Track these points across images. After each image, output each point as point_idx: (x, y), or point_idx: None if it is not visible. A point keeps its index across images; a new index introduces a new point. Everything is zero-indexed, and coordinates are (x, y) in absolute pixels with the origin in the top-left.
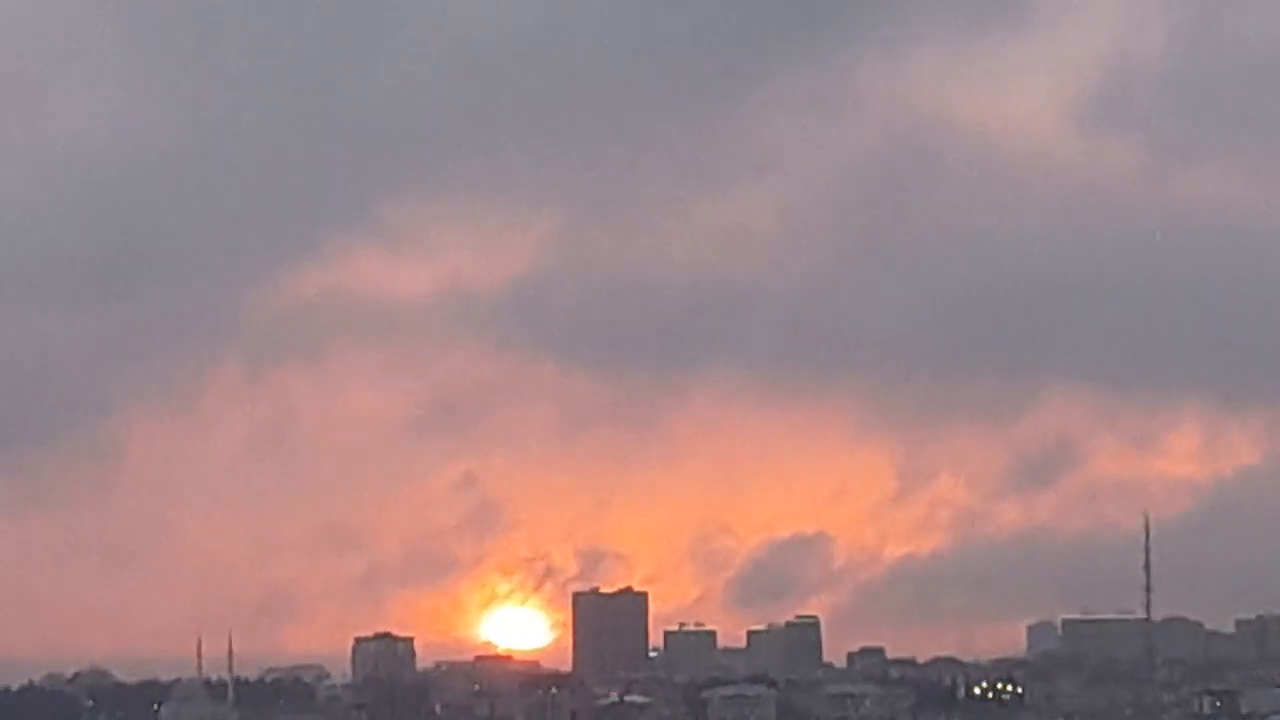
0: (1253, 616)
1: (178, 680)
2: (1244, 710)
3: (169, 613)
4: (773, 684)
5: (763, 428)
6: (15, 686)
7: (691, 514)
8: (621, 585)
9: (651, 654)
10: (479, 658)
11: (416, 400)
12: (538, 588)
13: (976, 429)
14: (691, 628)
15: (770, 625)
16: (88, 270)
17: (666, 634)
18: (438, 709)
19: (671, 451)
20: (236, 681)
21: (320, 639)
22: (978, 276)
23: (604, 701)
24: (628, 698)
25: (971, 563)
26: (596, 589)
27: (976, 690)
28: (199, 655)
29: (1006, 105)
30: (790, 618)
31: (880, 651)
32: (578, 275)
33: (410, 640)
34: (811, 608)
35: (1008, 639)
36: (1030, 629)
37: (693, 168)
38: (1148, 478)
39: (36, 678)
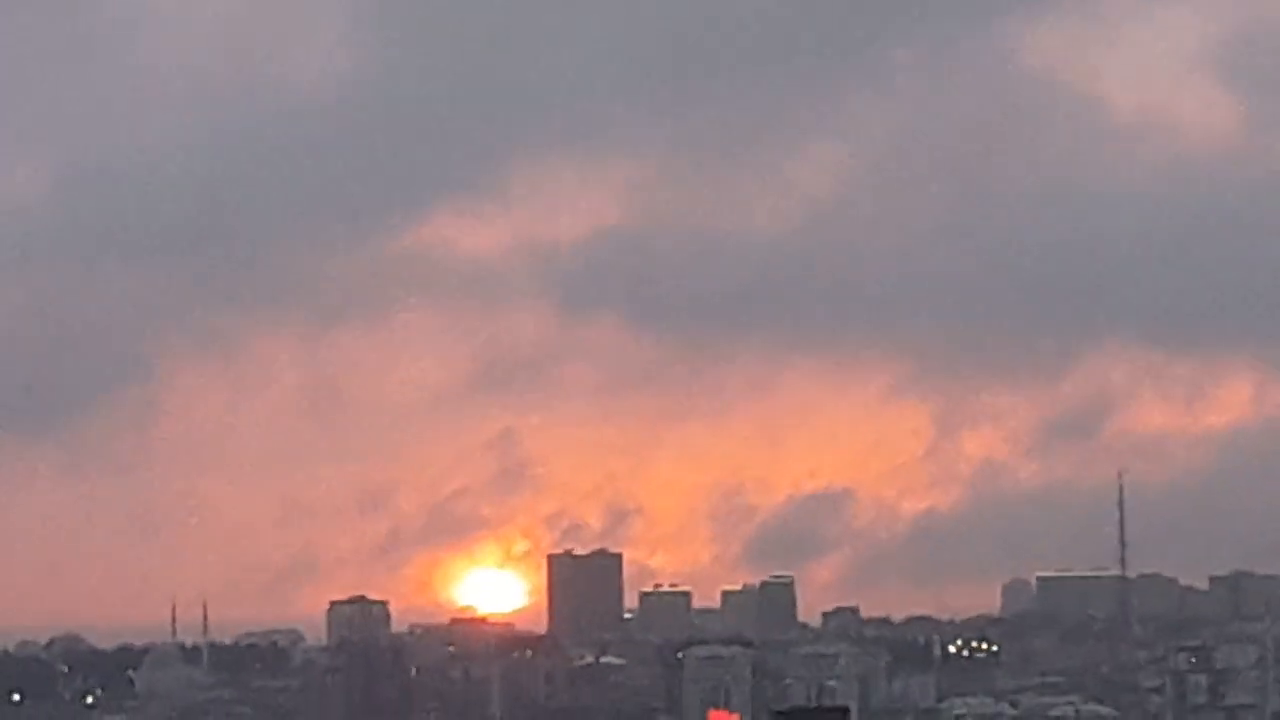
0: (1226, 573)
1: (154, 645)
2: (1218, 666)
3: (157, 579)
4: (748, 644)
5: (807, 383)
6: None
7: (722, 473)
8: (618, 542)
9: (626, 616)
10: (454, 620)
11: (469, 360)
12: (555, 547)
13: (1012, 388)
14: (667, 589)
15: (744, 585)
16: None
17: (642, 595)
18: (413, 671)
19: (710, 413)
20: (211, 646)
21: (304, 603)
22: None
23: (579, 663)
24: (603, 659)
25: (982, 516)
26: (571, 551)
27: (952, 647)
28: (173, 619)
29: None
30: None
31: (855, 611)
32: (654, 235)
33: (385, 604)
34: (824, 564)
35: (982, 594)
36: (1005, 587)
37: (775, 129)
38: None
39: (13, 644)
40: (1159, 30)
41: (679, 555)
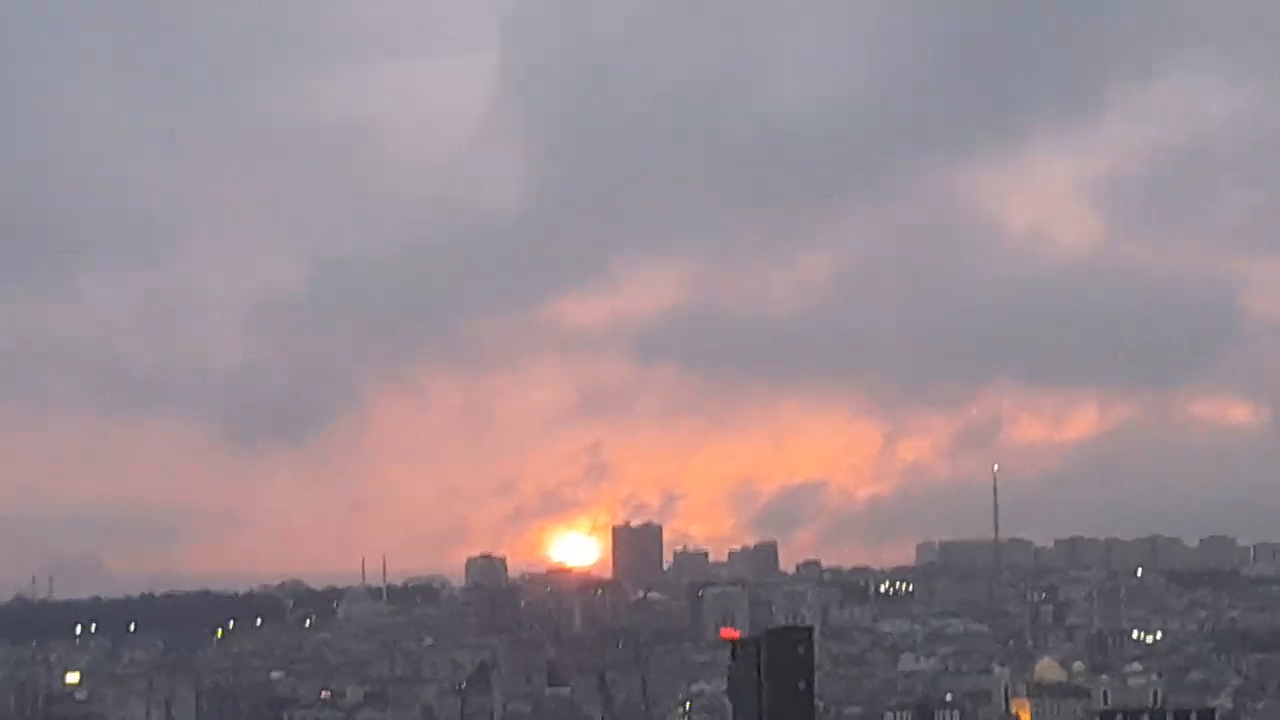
0: (1067, 537)
1: (349, 588)
2: (1060, 599)
3: (354, 541)
4: (745, 585)
5: (798, 412)
6: (241, 591)
7: (739, 470)
8: (670, 521)
9: (664, 567)
10: (550, 570)
11: (574, 394)
12: (631, 520)
13: (937, 413)
14: (691, 549)
15: (743, 546)
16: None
17: (675, 553)
18: (522, 604)
19: (735, 428)
20: (388, 587)
21: (451, 558)
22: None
23: (633, 598)
24: (649, 595)
25: (905, 499)
26: (627, 524)
27: (883, 588)
28: (363, 569)
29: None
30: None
31: (818, 563)
32: (702, 311)
33: (504, 559)
34: (813, 528)
35: (903, 553)
36: (919, 546)
37: (777, 243)
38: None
39: (254, 587)
40: (1045, 170)
41: (707, 525)
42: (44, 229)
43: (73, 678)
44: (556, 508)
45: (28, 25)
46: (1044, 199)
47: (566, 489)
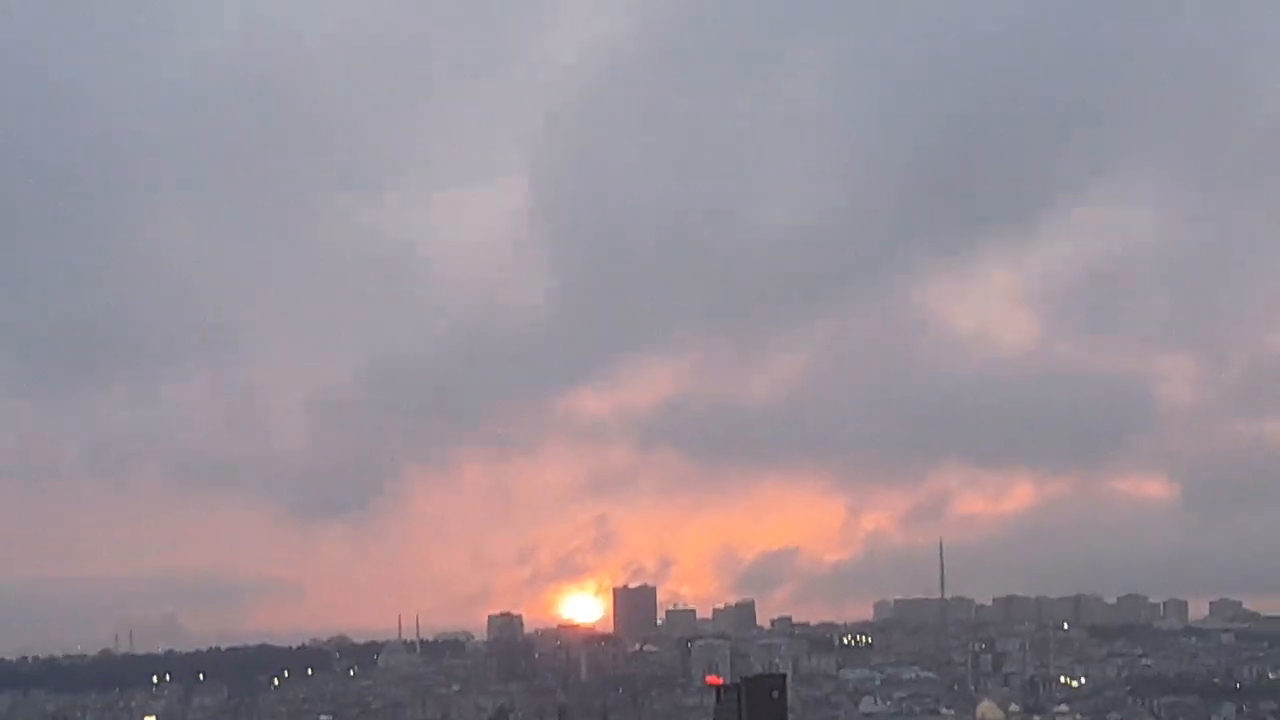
0: (1002, 596)
1: (388, 642)
2: (998, 649)
3: (391, 601)
4: (727, 638)
5: (775, 489)
6: (295, 645)
7: (723, 539)
8: (665, 583)
9: (658, 622)
10: (560, 625)
11: (585, 474)
12: (630, 582)
13: (893, 490)
14: (681, 607)
15: (726, 604)
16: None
17: (667, 610)
18: (536, 655)
19: (721, 503)
20: (421, 641)
21: (476, 615)
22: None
23: (631, 650)
24: (645, 648)
25: (865, 564)
26: (626, 585)
27: (846, 640)
28: (399, 626)
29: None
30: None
31: (789, 619)
32: (694, 403)
33: (521, 616)
34: (787, 589)
35: (863, 610)
36: (876, 604)
37: (759, 345)
38: (968, 518)
39: (306, 641)
40: (990, 281)
41: (696, 586)
42: (137, 339)
43: None
44: (568, 572)
45: (122, 159)
46: (989, 306)
47: (576, 556)
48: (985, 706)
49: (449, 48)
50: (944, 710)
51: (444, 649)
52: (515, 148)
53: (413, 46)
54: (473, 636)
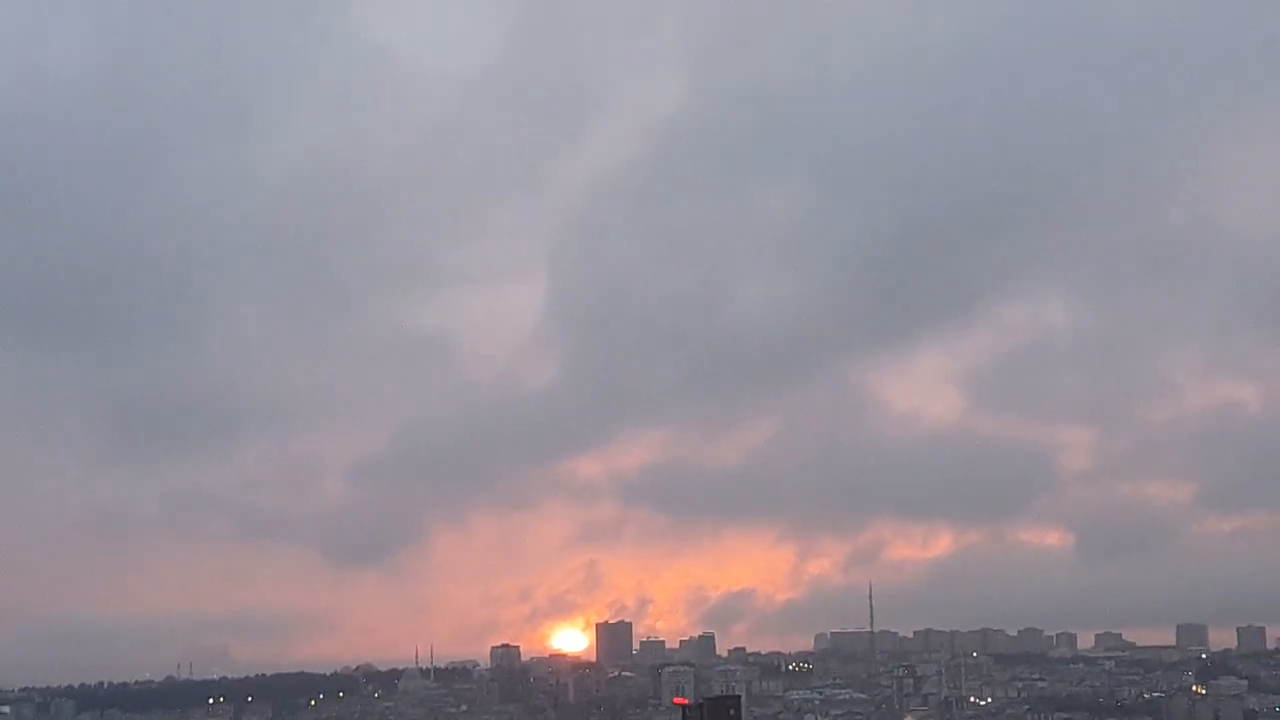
0: (922, 629)
1: (406, 669)
2: (919, 674)
3: (409, 633)
4: (692, 665)
5: (737, 539)
6: (328, 672)
7: (692, 581)
8: (643, 619)
9: (634, 651)
10: (551, 655)
11: (577, 528)
12: (612, 618)
13: (835, 539)
14: (652, 638)
15: (690, 637)
16: (444, 463)
17: (641, 641)
18: (531, 680)
19: (691, 551)
20: (435, 668)
21: (482, 647)
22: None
23: (610, 675)
24: (623, 674)
25: (810, 602)
26: (607, 621)
27: (791, 666)
28: (416, 655)
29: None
30: (702, 632)
31: (743, 649)
32: (671, 467)
33: (518, 647)
34: (744, 623)
35: (805, 641)
36: (816, 636)
37: (727, 417)
38: (898, 563)
39: (338, 669)
40: (924, 365)
41: (670, 621)
42: (209, 411)
43: None
44: (561, 609)
45: (204, 258)
46: (921, 386)
47: (568, 595)
48: None
49: (483, 166)
50: None
51: (454, 675)
52: (537, 251)
53: (454, 164)
54: (478, 664)
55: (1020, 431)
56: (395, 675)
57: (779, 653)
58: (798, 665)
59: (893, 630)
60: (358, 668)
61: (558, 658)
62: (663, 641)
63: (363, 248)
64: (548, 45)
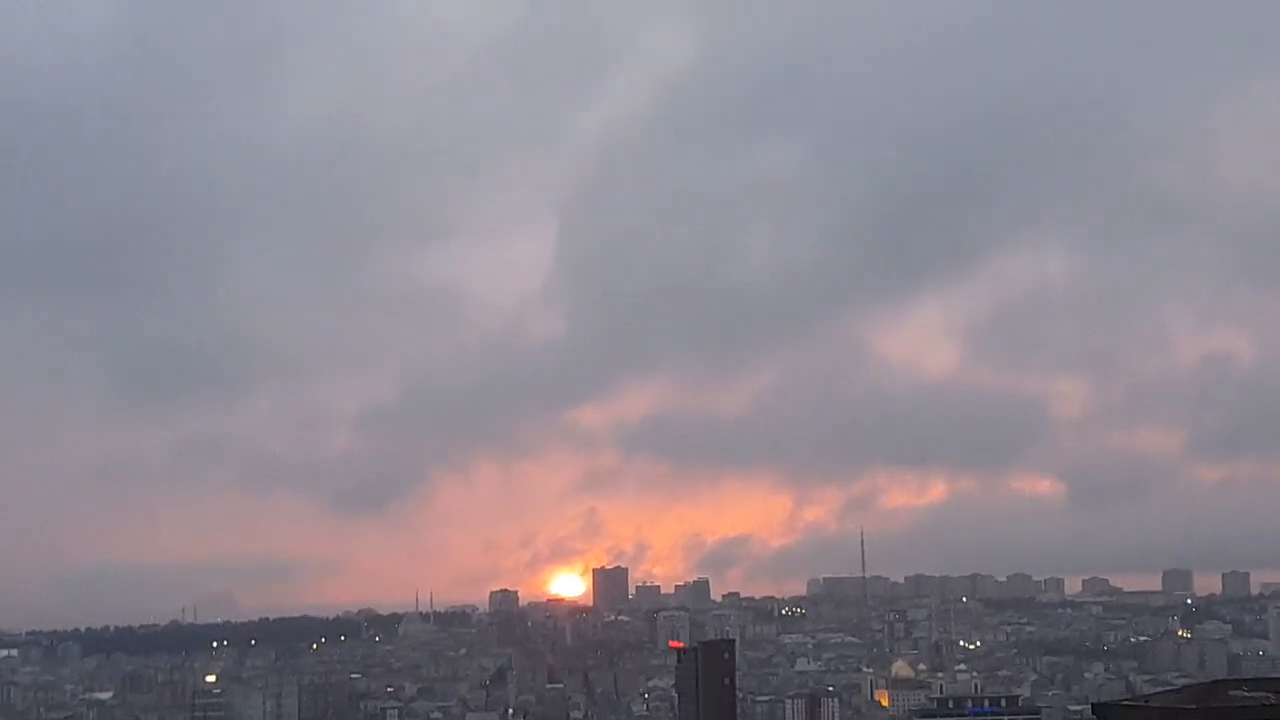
0: (912, 574)
1: (407, 613)
2: (909, 618)
3: (410, 579)
4: (687, 610)
5: (734, 487)
6: (330, 616)
7: (690, 527)
8: (641, 564)
9: (630, 596)
10: (549, 599)
11: (580, 475)
12: (610, 564)
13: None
14: (648, 583)
15: (686, 582)
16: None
17: (637, 586)
18: (529, 624)
19: (689, 498)
20: (435, 613)
21: (481, 591)
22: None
23: (607, 619)
24: (619, 617)
25: (804, 547)
26: (604, 566)
27: (784, 611)
28: (416, 600)
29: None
30: (697, 578)
31: (737, 594)
32: (672, 416)
33: (517, 591)
34: (739, 569)
35: (799, 586)
36: (809, 581)
37: (728, 367)
38: (892, 510)
39: (340, 613)
40: (923, 317)
41: (667, 566)
42: (216, 362)
43: (210, 679)
44: (561, 555)
45: (211, 213)
46: (920, 337)
47: (569, 542)
48: (898, 665)
49: (496, 120)
50: (864, 669)
51: (453, 619)
52: (547, 205)
53: (468, 119)
54: (477, 609)
55: (1015, 382)
56: (396, 619)
57: (773, 597)
58: (791, 610)
59: (884, 576)
60: (359, 612)
61: (555, 602)
62: (658, 587)
63: (377, 200)
64: (563, 1)
